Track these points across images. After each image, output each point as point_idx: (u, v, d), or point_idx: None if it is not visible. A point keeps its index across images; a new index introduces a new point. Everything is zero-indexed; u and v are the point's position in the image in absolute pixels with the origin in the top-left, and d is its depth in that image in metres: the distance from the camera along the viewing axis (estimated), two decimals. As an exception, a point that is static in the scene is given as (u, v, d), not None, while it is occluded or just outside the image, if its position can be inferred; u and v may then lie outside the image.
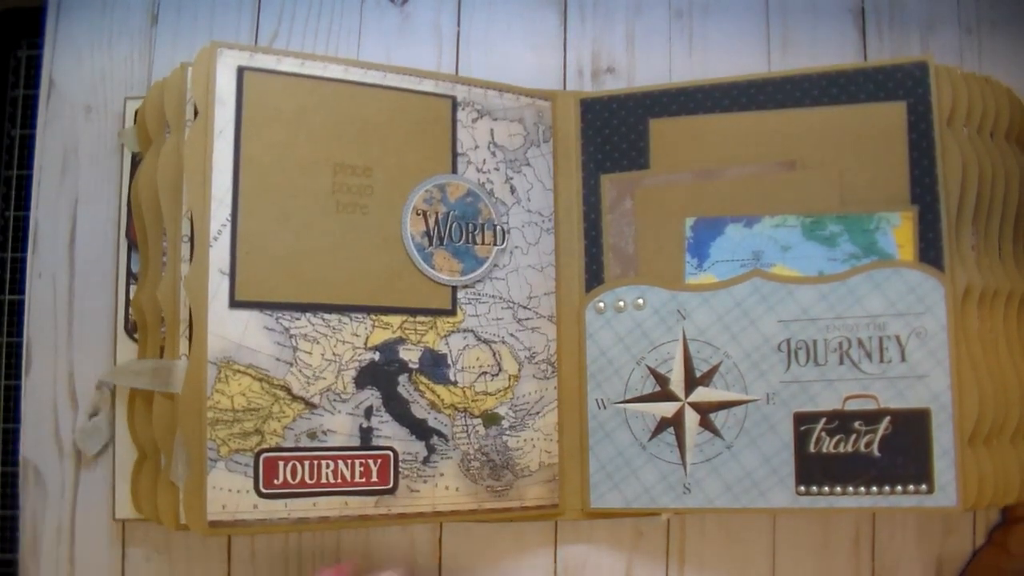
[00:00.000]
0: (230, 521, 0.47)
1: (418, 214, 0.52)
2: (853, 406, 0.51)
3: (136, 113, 0.54)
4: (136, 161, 0.54)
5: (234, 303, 0.48)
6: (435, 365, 0.52)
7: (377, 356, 0.51)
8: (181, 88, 0.50)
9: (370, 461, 0.50)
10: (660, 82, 0.59)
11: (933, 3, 0.60)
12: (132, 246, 0.54)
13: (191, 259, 0.49)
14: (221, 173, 0.49)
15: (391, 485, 0.51)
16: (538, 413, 0.54)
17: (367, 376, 0.51)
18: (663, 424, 0.53)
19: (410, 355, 0.52)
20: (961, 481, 0.50)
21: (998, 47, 0.60)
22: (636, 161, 0.56)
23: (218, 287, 0.48)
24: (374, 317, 0.51)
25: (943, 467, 0.50)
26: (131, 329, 0.54)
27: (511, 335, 0.54)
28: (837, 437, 0.51)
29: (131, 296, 0.54)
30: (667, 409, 0.53)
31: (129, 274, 0.54)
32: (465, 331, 0.53)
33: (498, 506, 0.53)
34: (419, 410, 0.52)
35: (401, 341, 0.52)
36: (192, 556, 0.55)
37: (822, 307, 0.52)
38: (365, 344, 0.51)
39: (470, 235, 0.54)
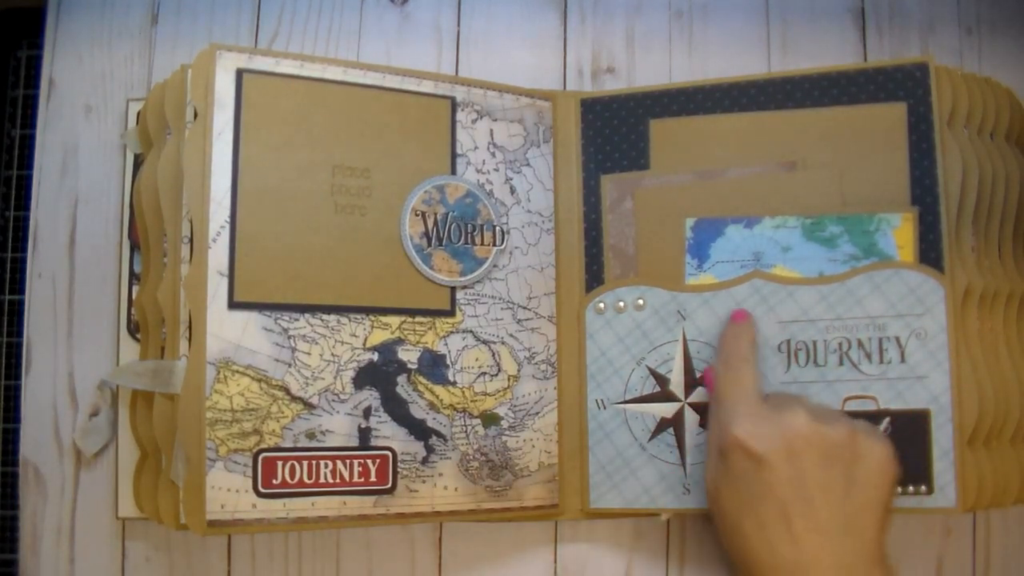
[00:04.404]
0: (229, 520, 0.47)
1: (417, 215, 0.52)
2: (853, 407, 0.51)
3: (138, 114, 0.54)
4: (138, 162, 0.54)
5: (233, 304, 0.48)
6: (434, 365, 0.52)
7: (376, 357, 0.51)
8: (181, 90, 0.50)
9: (369, 461, 0.50)
10: (660, 82, 0.59)
11: (933, 3, 0.60)
12: (135, 247, 0.54)
13: (190, 260, 0.49)
14: (220, 175, 0.49)
15: (390, 485, 0.51)
16: (538, 413, 0.54)
17: (366, 376, 0.51)
18: (663, 424, 0.53)
19: (409, 356, 0.52)
20: (960, 482, 0.50)
21: (998, 48, 0.60)
22: (636, 161, 0.56)
23: (217, 288, 0.48)
24: (373, 318, 0.51)
25: (943, 468, 0.50)
26: (133, 330, 0.54)
27: (510, 335, 0.54)
28: (837, 438, 0.51)
29: (133, 297, 0.54)
30: (667, 409, 0.53)
31: (132, 275, 0.55)
32: (464, 332, 0.53)
33: (497, 506, 0.53)
34: (418, 410, 0.52)
35: (400, 342, 0.52)
36: (192, 555, 0.55)
37: (822, 308, 0.52)
38: (364, 345, 0.51)
39: (469, 236, 0.54)
